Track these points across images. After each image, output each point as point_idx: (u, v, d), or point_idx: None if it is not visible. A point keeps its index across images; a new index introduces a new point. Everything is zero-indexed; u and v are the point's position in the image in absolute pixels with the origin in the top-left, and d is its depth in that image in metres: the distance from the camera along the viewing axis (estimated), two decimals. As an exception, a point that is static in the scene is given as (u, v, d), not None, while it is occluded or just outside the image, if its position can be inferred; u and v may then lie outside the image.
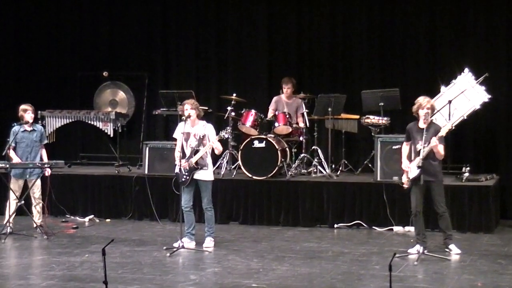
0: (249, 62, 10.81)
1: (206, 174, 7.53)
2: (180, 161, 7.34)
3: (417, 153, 7.03)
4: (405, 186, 7.15)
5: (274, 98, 9.87)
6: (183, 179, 7.47)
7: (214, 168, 9.17)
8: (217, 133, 7.42)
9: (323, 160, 9.46)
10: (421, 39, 10.17)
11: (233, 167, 9.58)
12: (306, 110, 9.51)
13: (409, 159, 7.24)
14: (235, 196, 9.15)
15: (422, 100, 7.13)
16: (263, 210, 9.05)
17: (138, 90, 11.00)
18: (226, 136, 7.37)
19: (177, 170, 7.50)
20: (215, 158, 8.60)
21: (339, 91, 9.77)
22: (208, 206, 7.56)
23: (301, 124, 9.61)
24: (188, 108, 7.41)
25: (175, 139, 7.69)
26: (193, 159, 7.38)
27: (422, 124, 7.14)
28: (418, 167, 6.97)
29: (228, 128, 7.46)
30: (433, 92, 8.89)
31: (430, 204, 7.38)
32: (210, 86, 10.93)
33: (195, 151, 7.42)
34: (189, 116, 7.39)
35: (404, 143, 7.39)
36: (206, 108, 9.53)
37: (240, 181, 9.16)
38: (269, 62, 10.75)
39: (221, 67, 10.94)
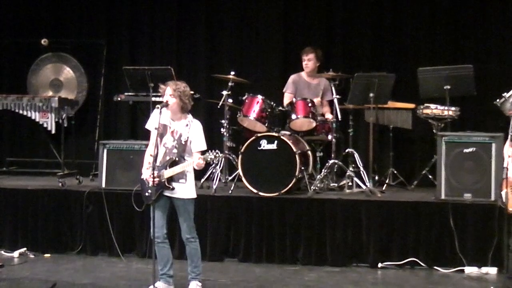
0: (255, 27, 10.96)
1: (183, 189, 7.40)
2: (152, 169, 7.23)
3: None
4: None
5: (292, 78, 9.93)
6: (147, 194, 7.41)
7: (203, 180, 9.52)
8: (205, 150, 7.31)
9: (361, 169, 9.49)
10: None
11: (230, 178, 9.64)
12: (337, 96, 9.45)
13: None
14: (232, 222, 9.12)
15: None
16: (274, 242, 9.02)
17: (93, 65, 11.06)
18: (215, 161, 7.21)
19: (144, 176, 7.43)
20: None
21: (386, 69, 9.83)
22: (190, 236, 7.47)
23: (330, 116, 9.61)
24: (168, 93, 7.37)
25: (146, 137, 7.68)
26: (166, 174, 7.32)
27: None
28: None
29: (218, 153, 7.18)
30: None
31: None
32: (198, 60, 11.03)
33: (171, 162, 7.36)
34: (166, 105, 7.37)
35: (509, 143, 7.29)
36: (192, 92, 9.43)
37: (240, 200, 9.13)
38: (285, 26, 10.90)
39: (214, 34, 11.05)
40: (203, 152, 7.29)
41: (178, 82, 7.54)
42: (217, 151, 7.23)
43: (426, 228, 8.75)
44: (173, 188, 7.34)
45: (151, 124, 7.47)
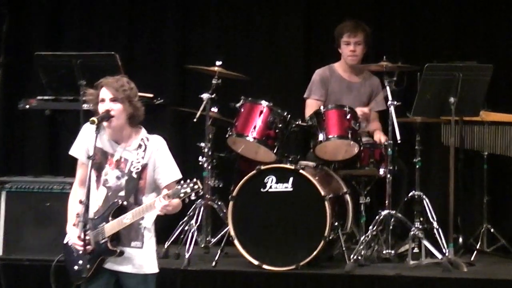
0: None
1: (138, 259, 7.23)
2: (83, 225, 7.13)
3: None
4: None
5: (318, 73, 10.20)
6: (76, 268, 7.17)
7: (168, 243, 9.69)
8: (178, 183, 7.23)
9: (435, 225, 9.57)
10: None
11: (213, 240, 9.80)
12: (395, 102, 9.39)
13: None
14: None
15: None
16: None
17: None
18: (192, 196, 7.07)
19: (67, 240, 7.31)
20: (171, 217, 8.24)
21: (476, 58, 10.06)
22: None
23: (382, 138, 9.80)
24: (107, 97, 7.19)
25: (72, 170, 7.53)
26: (108, 229, 7.13)
27: None
28: None
29: (196, 182, 7.08)
30: None
31: None
32: (164, 45, 11.38)
33: (115, 209, 7.19)
34: (108, 116, 7.24)
35: None
36: (151, 95, 9.83)
37: (231, 277, 9.27)
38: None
39: (191, 4, 11.45)
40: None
41: (117, 76, 7.35)
42: (194, 179, 7.00)
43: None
44: (120, 254, 7.13)
45: (80, 147, 7.25)
